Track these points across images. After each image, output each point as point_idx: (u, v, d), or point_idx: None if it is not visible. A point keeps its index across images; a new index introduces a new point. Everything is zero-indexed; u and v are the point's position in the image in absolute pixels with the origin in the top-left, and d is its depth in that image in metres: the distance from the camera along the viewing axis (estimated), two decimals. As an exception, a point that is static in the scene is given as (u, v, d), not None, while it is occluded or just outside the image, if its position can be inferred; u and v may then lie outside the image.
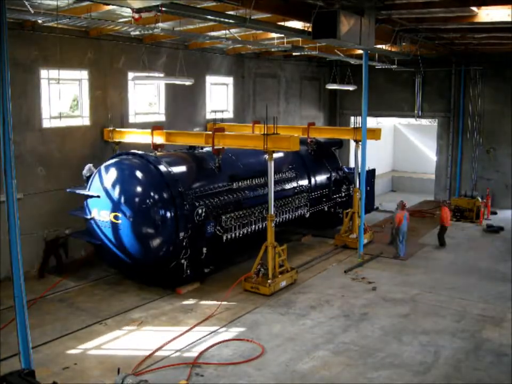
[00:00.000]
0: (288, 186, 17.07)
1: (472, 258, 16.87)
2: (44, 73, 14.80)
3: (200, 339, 11.05)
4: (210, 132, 14.35)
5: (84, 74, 16.05)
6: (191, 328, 11.52)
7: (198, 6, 11.35)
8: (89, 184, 14.20)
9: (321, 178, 18.81)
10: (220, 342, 10.86)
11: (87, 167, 14.87)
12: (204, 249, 13.95)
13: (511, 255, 16.90)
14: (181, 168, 14.39)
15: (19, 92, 14.19)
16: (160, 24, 13.09)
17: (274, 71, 24.38)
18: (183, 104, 19.56)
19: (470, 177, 24.95)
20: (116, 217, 13.28)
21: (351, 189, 19.00)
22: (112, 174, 13.71)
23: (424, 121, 29.00)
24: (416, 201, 25.75)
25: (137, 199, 13.22)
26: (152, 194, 13.19)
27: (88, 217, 13.99)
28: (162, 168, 13.68)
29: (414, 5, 12.42)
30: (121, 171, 13.71)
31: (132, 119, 17.77)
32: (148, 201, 13.15)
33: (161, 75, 16.90)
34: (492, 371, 9.91)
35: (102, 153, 16.71)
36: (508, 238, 19.12)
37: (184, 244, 13.44)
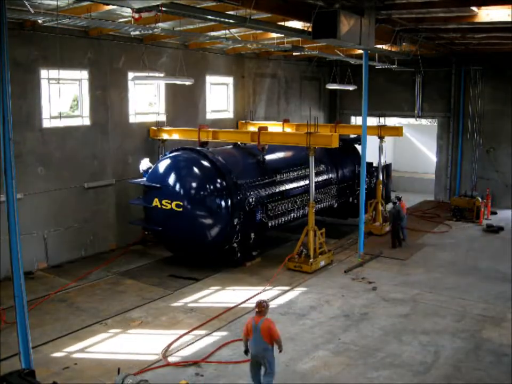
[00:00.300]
0: (320, 178, 18.65)
1: (472, 258, 16.85)
2: (44, 73, 14.80)
3: (198, 340, 11.07)
4: (256, 130, 16.11)
5: (84, 74, 16.05)
6: (190, 331, 11.51)
7: (198, 6, 11.35)
8: (149, 176, 15.82)
9: (346, 171, 20.54)
10: (225, 344, 10.84)
11: (144, 161, 16.89)
12: (252, 234, 15.84)
13: (511, 255, 16.90)
14: (232, 162, 16.03)
15: (19, 91, 14.20)
16: (160, 24, 13.10)
17: (274, 71, 24.39)
18: (183, 104, 19.56)
19: (470, 177, 24.94)
20: (177, 205, 14.77)
21: (372, 181, 20.65)
22: (172, 166, 15.36)
23: (424, 121, 28.98)
24: (416, 201, 25.76)
25: (197, 189, 14.88)
26: (210, 184, 14.89)
27: (151, 206, 15.31)
28: (217, 161, 15.32)
29: (414, 5, 12.42)
30: (180, 164, 15.40)
31: (132, 119, 17.78)
32: (206, 190, 14.83)
33: (161, 75, 16.91)
34: (492, 371, 9.91)
35: (103, 152, 16.77)
36: (508, 238, 19.12)
37: (237, 229, 15.16)
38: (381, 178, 19.95)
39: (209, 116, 20.96)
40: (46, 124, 15.20)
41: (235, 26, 14.26)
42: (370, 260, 16.55)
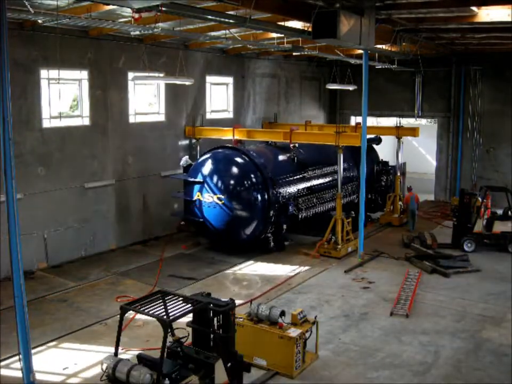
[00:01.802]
0: (343, 175, 18.98)
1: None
2: (43, 73, 14.79)
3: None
4: (288, 131, 17.66)
5: (84, 74, 16.04)
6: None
7: (198, 6, 11.34)
8: (190, 172, 17.11)
9: (367, 169, 20.74)
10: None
11: (184, 158, 18.06)
12: (284, 226, 16.97)
13: (510, 255, 16.89)
14: (267, 159, 17.52)
15: (19, 91, 14.19)
16: (160, 24, 13.07)
17: (274, 71, 24.38)
18: (183, 104, 19.55)
19: (470, 177, 24.94)
20: (219, 198, 16.18)
21: (389, 179, 22.04)
22: (214, 163, 16.71)
23: (424, 121, 28.98)
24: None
25: (237, 183, 16.26)
26: (249, 179, 16.30)
27: (193, 199, 16.72)
28: (255, 158, 16.74)
29: (414, 5, 12.41)
30: (221, 160, 16.78)
31: (132, 119, 17.76)
32: (246, 184, 16.23)
33: (161, 75, 16.90)
34: (491, 371, 9.92)
35: (103, 152, 16.77)
36: (508, 238, 19.08)
37: (271, 220, 16.53)
38: (398, 174, 21.63)
39: (209, 116, 20.96)
40: (46, 124, 15.19)
41: (235, 26, 14.25)
42: (370, 259, 16.55)
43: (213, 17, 11.34)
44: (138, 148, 17.91)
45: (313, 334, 10.13)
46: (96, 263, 15.86)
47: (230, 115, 22.03)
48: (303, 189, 17.96)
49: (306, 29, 13.71)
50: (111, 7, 11.88)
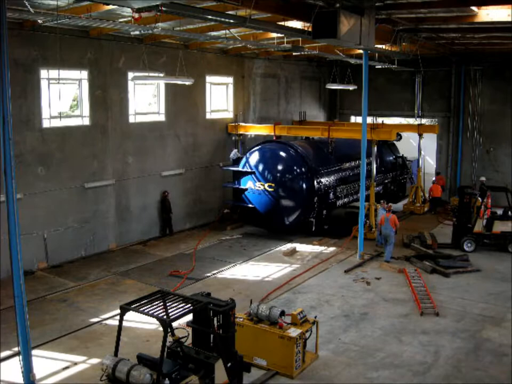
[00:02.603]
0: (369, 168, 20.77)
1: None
2: (43, 73, 14.80)
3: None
4: (326, 127, 19.93)
5: (84, 74, 16.05)
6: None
7: (198, 6, 11.34)
8: (241, 164, 19.19)
9: (388, 163, 23.71)
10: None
11: (233, 152, 20.15)
12: (324, 211, 18.94)
13: (510, 255, 16.89)
14: (309, 152, 19.27)
15: (19, 91, 14.19)
16: (160, 24, 13.08)
17: (274, 71, 24.38)
18: (183, 104, 19.56)
19: (470, 177, 24.94)
20: (269, 186, 18.26)
21: (408, 172, 24.32)
22: (263, 155, 18.76)
23: (424, 122, 28.93)
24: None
25: (286, 172, 18.25)
26: (296, 169, 18.31)
27: (244, 187, 18.86)
28: (300, 151, 18.59)
29: (414, 4, 12.41)
30: (270, 153, 18.74)
31: (131, 119, 17.76)
32: (293, 173, 18.26)
33: (161, 75, 16.88)
34: (491, 371, 9.92)
35: (103, 152, 16.76)
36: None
37: (314, 206, 18.40)
38: (420, 166, 23.39)
39: (209, 115, 20.97)
40: (46, 124, 15.19)
41: (235, 26, 14.25)
42: (370, 259, 16.55)
43: (213, 17, 11.34)
44: (138, 147, 17.92)
45: (313, 334, 10.14)
46: (96, 263, 15.86)
47: (230, 115, 22.03)
48: (339, 179, 19.88)
49: (306, 29, 13.71)
50: (111, 7, 11.87)
